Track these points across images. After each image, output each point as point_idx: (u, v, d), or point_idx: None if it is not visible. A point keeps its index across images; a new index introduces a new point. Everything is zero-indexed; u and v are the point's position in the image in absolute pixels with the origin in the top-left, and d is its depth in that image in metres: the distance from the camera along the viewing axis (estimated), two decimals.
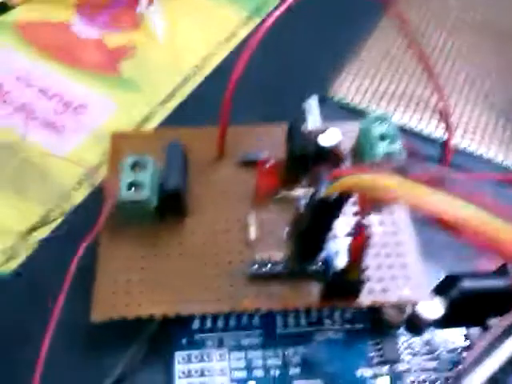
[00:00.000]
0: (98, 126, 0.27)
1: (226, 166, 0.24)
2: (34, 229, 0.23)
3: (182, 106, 0.28)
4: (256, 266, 0.21)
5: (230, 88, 0.21)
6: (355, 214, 0.20)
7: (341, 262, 0.20)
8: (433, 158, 0.27)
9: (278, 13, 0.20)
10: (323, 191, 0.18)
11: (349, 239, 0.22)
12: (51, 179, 0.25)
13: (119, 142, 0.24)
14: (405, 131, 0.28)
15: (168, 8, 0.33)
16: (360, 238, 0.18)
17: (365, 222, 0.18)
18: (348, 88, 0.30)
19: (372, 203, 0.18)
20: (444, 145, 0.28)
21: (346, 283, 0.20)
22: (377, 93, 0.30)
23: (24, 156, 0.26)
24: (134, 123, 0.28)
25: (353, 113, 0.30)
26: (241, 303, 0.20)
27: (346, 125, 0.25)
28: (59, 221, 0.24)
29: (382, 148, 0.22)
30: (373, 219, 0.22)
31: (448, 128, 0.29)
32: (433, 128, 0.29)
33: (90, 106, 0.28)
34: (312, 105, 0.21)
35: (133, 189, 0.20)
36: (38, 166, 0.25)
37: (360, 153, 0.24)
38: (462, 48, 0.33)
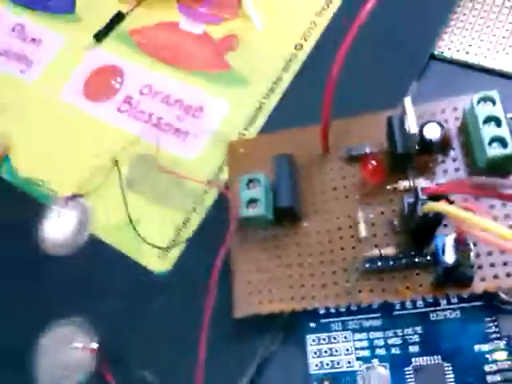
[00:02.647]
0: (215, 127, 0.30)
1: (332, 162, 0.25)
2: (179, 232, 0.28)
3: (290, 92, 0.30)
4: (368, 263, 0.23)
5: (331, 81, 0.22)
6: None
7: (449, 257, 0.21)
8: None
9: None
10: (420, 209, 0.19)
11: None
12: (185, 185, 0.29)
13: (235, 151, 0.27)
14: None
15: None
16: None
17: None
18: (457, 42, 0.29)
19: None
20: None
21: (458, 275, 0.21)
22: (488, 45, 0.28)
23: (159, 165, 0.30)
24: (245, 120, 0.30)
25: (464, 67, 0.28)
26: (357, 298, 0.23)
27: (455, 100, 0.24)
28: (198, 222, 0.28)
29: (487, 132, 0.22)
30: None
31: None
32: None
33: (206, 108, 0.31)
34: (407, 104, 0.21)
35: (250, 208, 0.23)
36: (172, 174, 0.29)
37: (467, 132, 0.23)
38: None
